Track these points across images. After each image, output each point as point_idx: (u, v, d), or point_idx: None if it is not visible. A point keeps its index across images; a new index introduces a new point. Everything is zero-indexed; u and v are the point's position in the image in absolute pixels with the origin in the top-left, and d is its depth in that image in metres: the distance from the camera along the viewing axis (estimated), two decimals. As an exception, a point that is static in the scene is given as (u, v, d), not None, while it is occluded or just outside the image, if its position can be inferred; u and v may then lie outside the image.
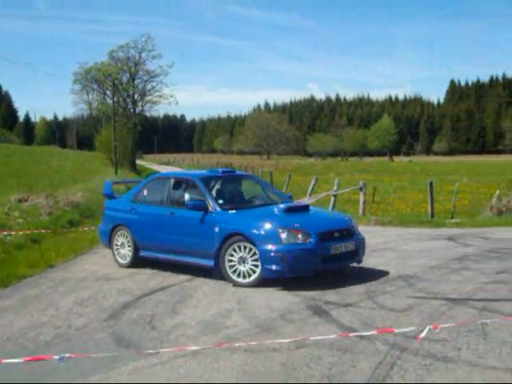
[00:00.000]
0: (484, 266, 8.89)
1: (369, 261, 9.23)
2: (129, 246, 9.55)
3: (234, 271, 7.89)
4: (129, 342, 5.67)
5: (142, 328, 6.10)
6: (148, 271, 9.21)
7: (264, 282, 7.71)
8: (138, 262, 9.48)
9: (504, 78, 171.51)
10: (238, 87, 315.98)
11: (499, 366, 4.62)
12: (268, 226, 7.73)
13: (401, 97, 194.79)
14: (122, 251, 9.66)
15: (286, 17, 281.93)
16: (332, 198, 17.57)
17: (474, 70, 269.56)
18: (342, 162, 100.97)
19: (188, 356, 5.10)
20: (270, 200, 9.38)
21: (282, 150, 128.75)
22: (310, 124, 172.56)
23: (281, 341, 5.35)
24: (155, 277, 8.78)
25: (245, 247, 7.82)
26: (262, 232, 7.67)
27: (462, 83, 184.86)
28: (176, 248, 8.80)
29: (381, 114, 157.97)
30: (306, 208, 8.94)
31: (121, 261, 9.69)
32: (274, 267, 7.51)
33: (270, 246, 7.53)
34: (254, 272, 7.77)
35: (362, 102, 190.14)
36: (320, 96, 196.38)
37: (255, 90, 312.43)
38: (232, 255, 7.90)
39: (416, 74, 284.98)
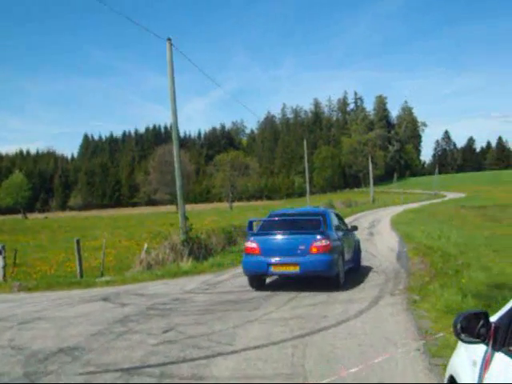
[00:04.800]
0: (148, 325, 8.63)
1: (23, 335, 8.07)
2: None
3: None
4: None
5: None
6: None
7: None
8: None
9: (136, 133, 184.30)
10: None
11: None
12: None
13: (33, 151, 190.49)
14: None
15: None
16: (-35, 265, 15.36)
17: (108, 126, 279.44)
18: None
19: None
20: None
21: None
22: None
23: None
24: None
25: None
26: None
27: (96, 138, 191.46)
28: None
29: (12, 169, 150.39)
30: None
31: None
32: None
33: None
34: None
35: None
36: None
37: None
38: None
39: (49, 129, 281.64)
